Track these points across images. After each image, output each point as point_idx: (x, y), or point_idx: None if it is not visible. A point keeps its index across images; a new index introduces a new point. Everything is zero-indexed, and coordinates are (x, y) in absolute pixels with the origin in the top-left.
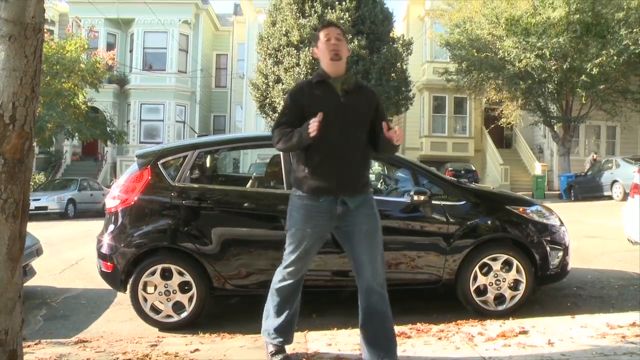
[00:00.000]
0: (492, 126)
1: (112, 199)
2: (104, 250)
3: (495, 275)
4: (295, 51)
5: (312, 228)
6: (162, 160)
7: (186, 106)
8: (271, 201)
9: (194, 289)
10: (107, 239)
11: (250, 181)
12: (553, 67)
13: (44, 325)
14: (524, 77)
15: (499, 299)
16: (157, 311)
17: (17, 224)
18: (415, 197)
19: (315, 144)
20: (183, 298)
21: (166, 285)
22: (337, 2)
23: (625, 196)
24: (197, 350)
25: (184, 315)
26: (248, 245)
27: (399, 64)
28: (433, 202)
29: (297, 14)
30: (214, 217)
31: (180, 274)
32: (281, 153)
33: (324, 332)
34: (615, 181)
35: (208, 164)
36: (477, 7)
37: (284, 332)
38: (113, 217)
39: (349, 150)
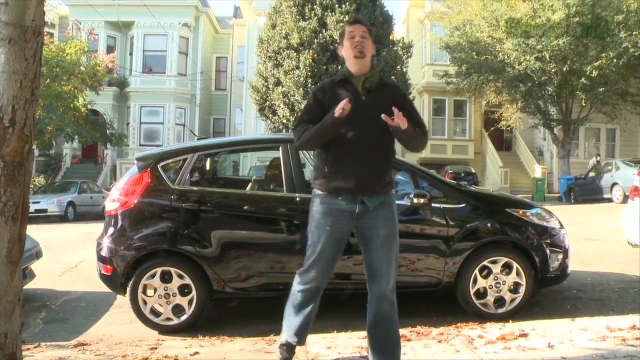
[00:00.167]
0: (492, 129)
1: (112, 202)
2: (104, 253)
3: (495, 278)
4: (295, 54)
5: (331, 226)
6: (162, 163)
7: (186, 109)
8: (271, 204)
9: (194, 292)
10: (106, 242)
11: (250, 184)
12: (553, 70)
13: (43, 328)
14: (524, 79)
15: (499, 301)
16: (156, 314)
17: (17, 226)
18: (415, 200)
19: (334, 142)
20: (183, 301)
21: (166, 288)
22: (337, 5)
23: (625, 199)
24: (196, 353)
25: (183, 318)
26: (248, 248)
27: (398, 67)
28: (433, 204)
29: (297, 17)
30: (213, 219)
31: (180, 276)
32: (281, 156)
33: (323, 335)
34: (615, 184)
35: (208, 167)
36: (476, 10)
37: (299, 333)
38: (113, 220)
39: (368, 150)
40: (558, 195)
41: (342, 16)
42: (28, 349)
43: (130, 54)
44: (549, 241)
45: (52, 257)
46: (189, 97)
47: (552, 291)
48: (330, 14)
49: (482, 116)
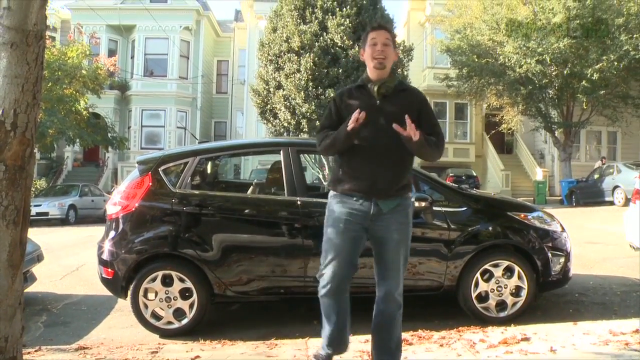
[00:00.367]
0: (493, 132)
1: (113, 205)
2: (105, 256)
3: (497, 282)
4: (296, 57)
5: (345, 224)
6: (163, 167)
7: (187, 112)
8: (272, 207)
9: (195, 296)
10: (108, 245)
11: (251, 187)
12: (553, 73)
13: (44, 331)
14: (525, 82)
15: (501, 305)
16: (157, 318)
17: (18, 230)
18: (417, 204)
19: (350, 146)
20: (184, 304)
21: (167, 292)
22: (337, 9)
23: (626, 202)
24: (197, 357)
25: (184, 321)
26: (249, 251)
27: (399, 70)
28: (434, 208)
29: (298, 20)
30: (214, 223)
31: (181, 280)
32: (282, 160)
33: None
34: (616, 187)
35: (209, 171)
36: (477, 13)
37: (333, 342)
38: (114, 224)
39: (382, 154)
40: (559, 198)
41: (342, 19)
42: (29, 352)
43: (132, 57)
44: (550, 244)
45: (53, 260)
46: (190, 101)
47: (554, 295)
48: (331, 17)
49: (483, 119)
